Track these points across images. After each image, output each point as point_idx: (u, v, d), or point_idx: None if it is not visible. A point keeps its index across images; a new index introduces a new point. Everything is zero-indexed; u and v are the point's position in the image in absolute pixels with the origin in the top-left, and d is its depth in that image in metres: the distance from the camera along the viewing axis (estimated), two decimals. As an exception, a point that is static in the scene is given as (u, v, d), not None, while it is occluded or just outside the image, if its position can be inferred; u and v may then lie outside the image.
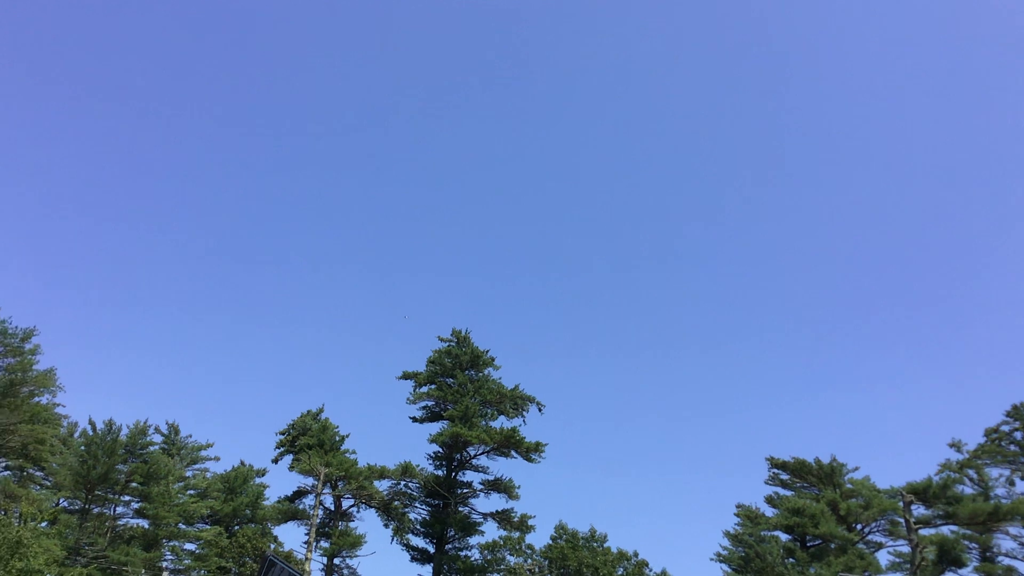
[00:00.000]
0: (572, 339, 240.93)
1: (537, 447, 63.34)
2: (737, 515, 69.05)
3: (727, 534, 68.71)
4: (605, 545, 67.47)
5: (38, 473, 68.05)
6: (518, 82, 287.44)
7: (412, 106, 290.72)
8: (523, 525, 64.25)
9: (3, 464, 63.63)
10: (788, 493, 67.41)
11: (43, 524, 48.95)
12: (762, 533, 64.44)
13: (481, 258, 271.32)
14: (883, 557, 61.38)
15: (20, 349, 60.45)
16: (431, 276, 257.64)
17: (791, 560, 60.24)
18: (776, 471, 68.49)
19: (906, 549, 57.34)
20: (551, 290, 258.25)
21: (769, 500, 67.98)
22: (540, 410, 67.14)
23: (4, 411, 55.52)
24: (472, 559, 62.63)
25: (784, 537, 63.80)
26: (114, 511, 69.99)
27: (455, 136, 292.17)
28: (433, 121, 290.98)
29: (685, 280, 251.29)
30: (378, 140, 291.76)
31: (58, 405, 68.26)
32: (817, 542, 60.77)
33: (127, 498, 69.74)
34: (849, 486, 64.47)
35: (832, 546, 59.23)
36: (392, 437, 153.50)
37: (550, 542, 67.20)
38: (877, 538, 63.31)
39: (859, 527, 62.95)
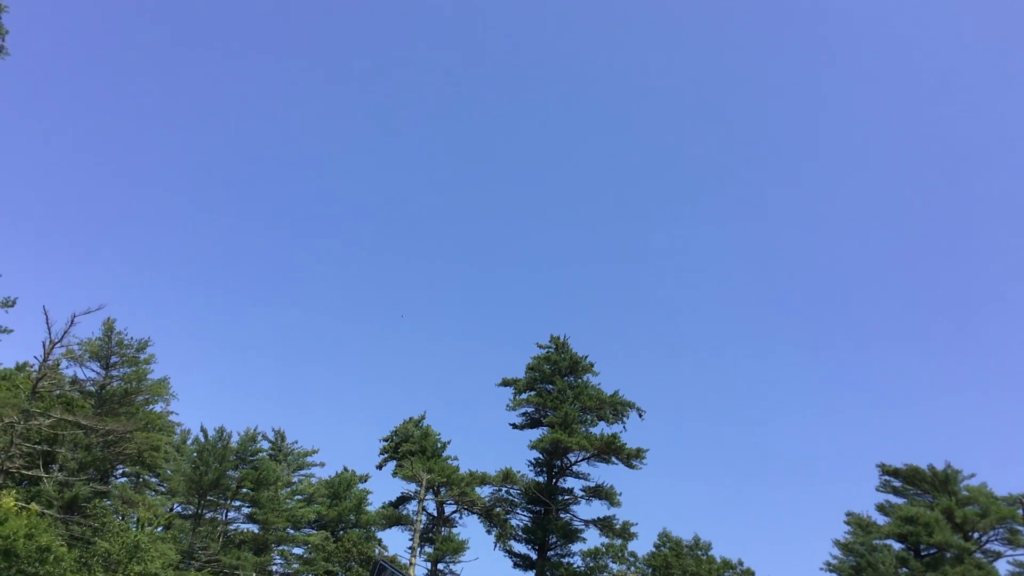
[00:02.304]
0: (664, 339, 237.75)
1: (638, 453, 62.75)
2: (847, 523, 67.19)
3: (837, 543, 66.83)
4: (709, 553, 66.50)
5: (153, 479, 70.41)
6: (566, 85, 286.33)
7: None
8: (625, 532, 63.67)
9: (120, 471, 66.06)
10: (900, 501, 65.42)
11: (159, 529, 50.82)
12: (874, 542, 62.68)
13: (572, 257, 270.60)
14: (1002, 567, 59.13)
15: (136, 359, 62.74)
16: (527, 280, 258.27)
17: (905, 570, 58.48)
18: (887, 478, 66.52)
19: (1027, 559, 55.06)
20: (636, 290, 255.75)
21: (881, 508, 66.05)
22: (640, 416, 66.40)
23: (121, 419, 57.58)
24: (575, 566, 62.31)
25: (897, 546, 62.07)
26: (225, 516, 72.02)
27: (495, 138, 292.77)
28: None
29: (785, 280, 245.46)
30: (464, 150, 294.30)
31: (171, 413, 70.65)
32: (932, 551, 58.88)
33: (238, 503, 71.71)
34: (965, 493, 62.27)
35: (948, 555, 57.37)
36: (492, 443, 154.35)
37: (653, 550, 66.55)
38: (995, 547, 60.98)
39: (976, 536, 60.71)
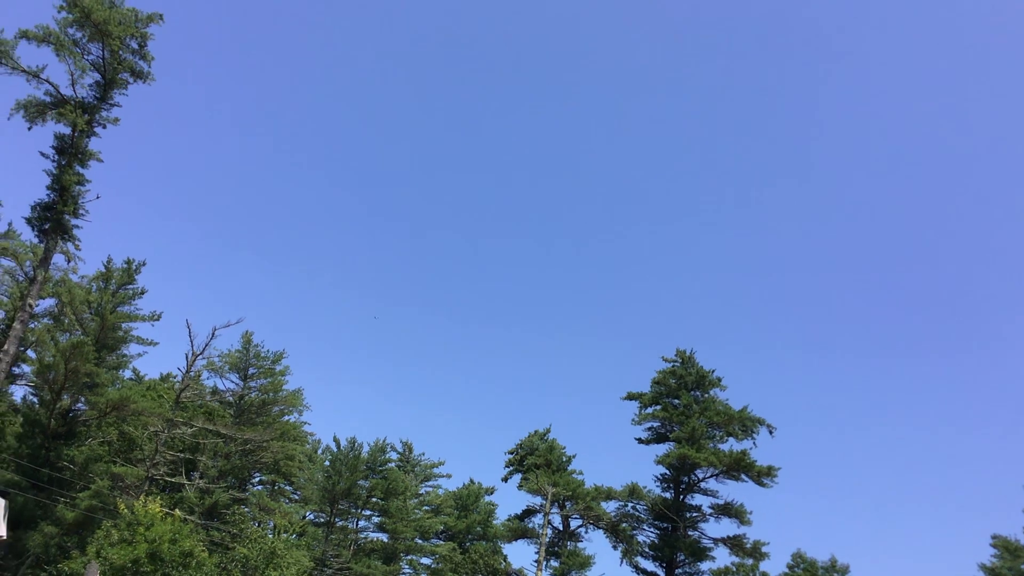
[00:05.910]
0: (796, 345, 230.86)
1: (769, 471, 61.17)
2: (993, 546, 63.62)
3: (983, 567, 63.36)
4: (847, 576, 64.06)
5: (288, 487, 72.62)
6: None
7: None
8: (756, 552, 62.02)
9: (257, 479, 68.44)
10: (1053, 525, 61.61)
11: (293, 536, 52.29)
12: (1022, 567, 59.24)
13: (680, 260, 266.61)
14: None
15: (272, 371, 65.03)
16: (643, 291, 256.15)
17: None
18: (1038, 501, 62.78)
19: None
20: (766, 293, 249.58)
21: (1031, 532, 62.40)
22: (771, 433, 64.65)
23: (258, 429, 59.67)
24: (704, 585, 61.22)
25: (1048, 573, 58.44)
26: (356, 525, 73.64)
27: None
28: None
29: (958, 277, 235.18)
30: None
31: (304, 423, 72.87)
32: (1088, 579, 55.17)
33: (368, 512, 73.22)
34: (1125, 519, 58.27)
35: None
36: (615, 456, 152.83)
37: (786, 571, 64.56)
38: None
39: None
